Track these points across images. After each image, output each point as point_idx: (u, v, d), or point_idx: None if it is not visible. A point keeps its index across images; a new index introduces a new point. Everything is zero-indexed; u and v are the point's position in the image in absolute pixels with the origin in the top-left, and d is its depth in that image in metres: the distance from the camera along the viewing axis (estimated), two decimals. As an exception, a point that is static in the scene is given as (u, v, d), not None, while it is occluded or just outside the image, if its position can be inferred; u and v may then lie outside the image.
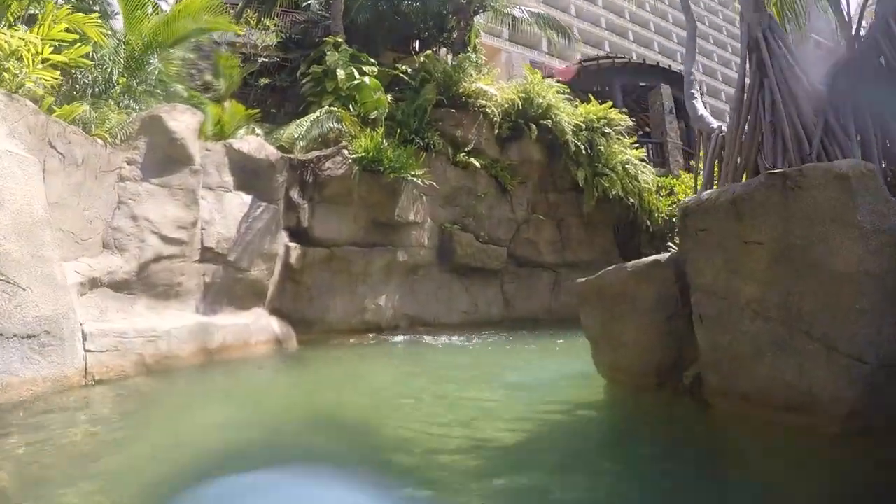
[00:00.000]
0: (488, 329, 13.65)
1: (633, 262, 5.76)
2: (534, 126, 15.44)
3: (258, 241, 10.19)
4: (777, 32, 6.68)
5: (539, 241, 16.20)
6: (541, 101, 15.60)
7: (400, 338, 11.72)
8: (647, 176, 17.01)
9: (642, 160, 17.09)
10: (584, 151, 15.97)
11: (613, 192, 15.94)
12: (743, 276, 4.24)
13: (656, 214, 17.10)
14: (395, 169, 12.26)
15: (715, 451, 4.05)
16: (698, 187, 9.33)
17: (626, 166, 16.53)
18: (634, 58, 25.98)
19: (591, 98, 17.20)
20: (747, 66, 7.14)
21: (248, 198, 10.19)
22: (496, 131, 15.32)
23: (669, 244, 16.01)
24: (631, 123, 17.71)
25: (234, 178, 10.13)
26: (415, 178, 12.64)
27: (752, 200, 4.17)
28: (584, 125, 16.34)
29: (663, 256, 5.60)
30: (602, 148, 16.38)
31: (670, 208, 17.10)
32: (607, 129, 16.75)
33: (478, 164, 14.63)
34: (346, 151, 11.97)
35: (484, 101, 15.28)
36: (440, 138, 14.20)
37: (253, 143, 10.59)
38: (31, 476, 3.53)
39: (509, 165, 15.59)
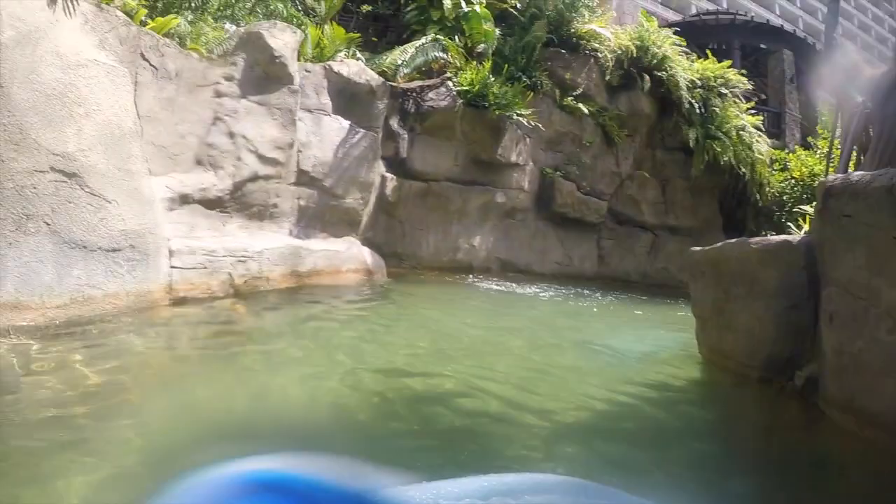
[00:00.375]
0: (581, 284, 12.64)
1: (758, 238, 5.06)
2: (647, 77, 13.94)
3: (354, 169, 9.57)
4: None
5: (641, 200, 14.88)
6: (656, 50, 14.02)
7: (492, 283, 10.84)
8: (762, 146, 15.29)
9: (758, 128, 15.31)
10: (697, 110, 14.38)
11: (725, 159, 14.36)
12: (889, 278, 3.45)
13: (767, 189, 15.44)
14: (500, 106, 11.24)
15: (826, 467, 3.46)
16: (834, 165, 8.07)
17: (741, 132, 14.88)
18: (755, 17, 23.28)
19: (709, 54, 15.47)
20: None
21: (346, 123, 9.49)
22: (607, 78, 13.92)
23: (790, 225, 14.48)
24: (750, 87, 15.81)
25: (332, 102, 9.43)
26: (520, 118, 11.54)
27: None
28: (699, 82, 14.71)
29: (794, 238, 4.78)
30: (717, 109, 14.73)
31: (782, 185, 15.52)
32: (724, 90, 15.05)
33: (585, 111, 13.34)
34: (450, 83, 11.02)
35: (596, 45, 13.86)
36: (548, 79, 12.91)
37: (353, 66, 9.79)
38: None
39: (618, 116, 14.21)
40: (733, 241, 5.28)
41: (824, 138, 18.73)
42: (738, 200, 15.61)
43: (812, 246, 4.38)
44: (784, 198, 15.44)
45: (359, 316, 6.80)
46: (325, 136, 9.13)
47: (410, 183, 10.81)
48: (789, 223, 15.09)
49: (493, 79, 11.43)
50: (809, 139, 18.39)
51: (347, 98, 9.66)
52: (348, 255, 8.73)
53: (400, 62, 10.94)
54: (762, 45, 20.47)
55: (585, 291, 11.40)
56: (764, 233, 15.50)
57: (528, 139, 12.53)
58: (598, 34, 14.06)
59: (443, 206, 11.32)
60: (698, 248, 5.71)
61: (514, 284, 10.91)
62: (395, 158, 10.76)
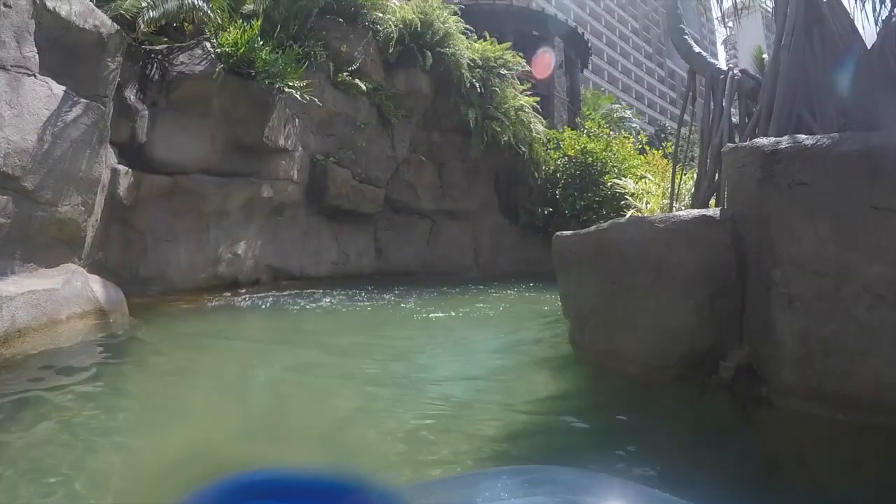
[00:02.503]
0: (360, 283, 11.27)
1: (661, 216, 4.27)
2: (429, 54, 12.85)
3: (71, 159, 6.49)
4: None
5: (418, 185, 13.93)
6: (440, 26, 12.98)
7: (266, 299, 8.75)
8: (539, 126, 15.40)
9: (534, 109, 15.43)
10: (477, 91, 13.89)
11: (504, 139, 14.11)
12: (866, 252, 3.14)
13: (543, 168, 15.71)
14: (270, 75, 9.08)
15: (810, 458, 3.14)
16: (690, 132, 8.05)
17: (520, 112, 14.71)
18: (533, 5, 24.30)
19: (488, 37, 15.03)
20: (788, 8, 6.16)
21: (59, 90, 6.36)
22: (387, 53, 12.56)
23: (563, 203, 14.97)
24: (528, 69, 15.84)
25: (41, 56, 6.21)
26: (293, 91, 9.49)
27: None
28: (480, 62, 14.14)
29: (713, 212, 4.16)
30: (497, 90, 14.38)
31: (556, 163, 15.81)
32: (503, 72, 14.76)
33: (364, 88, 11.84)
34: (208, 44, 8.49)
35: (379, 15, 12.35)
36: (323, 50, 11.05)
37: (78, 4, 6.61)
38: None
39: (395, 95, 12.93)
40: (622, 221, 4.50)
41: (591, 119, 20.15)
42: (513, 180, 15.55)
43: (739, 220, 3.81)
44: (558, 175, 15.70)
45: (78, 411, 3.78)
46: (25, 107, 5.97)
47: (152, 178, 8.06)
48: (563, 201, 15.87)
49: (261, 42, 9.28)
50: (578, 120, 19.45)
51: (65, 51, 6.52)
52: (68, 293, 5.80)
53: (144, 4, 7.93)
54: (535, 32, 20.66)
55: (369, 291, 9.87)
56: (540, 210, 15.96)
57: (297, 120, 10.55)
58: (382, 3, 12.59)
59: (196, 207, 8.77)
60: (568, 234, 4.83)
61: (289, 296, 8.98)
62: (132, 144, 7.92)
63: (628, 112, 28.44)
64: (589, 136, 16.47)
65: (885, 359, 3.11)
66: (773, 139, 3.79)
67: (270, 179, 10.01)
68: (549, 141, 15.89)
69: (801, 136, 3.73)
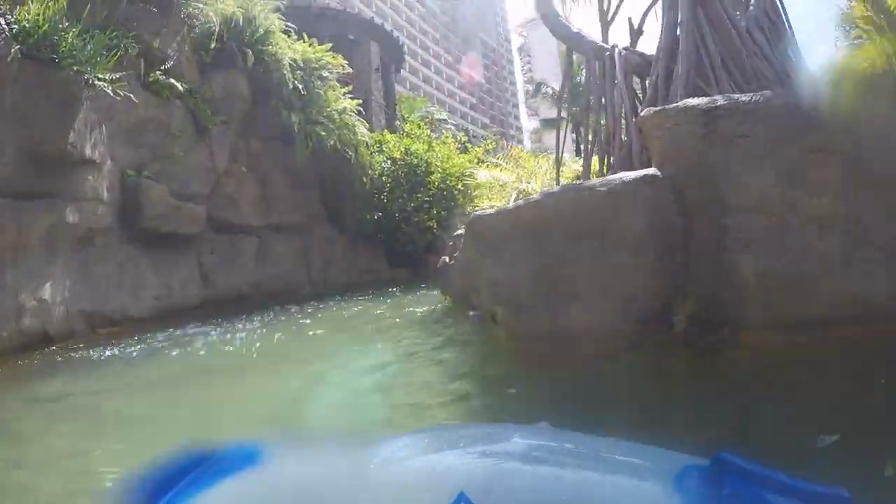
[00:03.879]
0: (188, 318, 9.39)
1: (599, 179, 4.23)
2: (249, 53, 11.31)
3: None
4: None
5: (241, 200, 12.23)
6: (263, 22, 11.53)
7: (88, 354, 6.57)
8: (363, 129, 14.61)
9: (356, 111, 14.59)
10: (300, 93, 12.70)
11: (330, 143, 13.09)
12: (808, 190, 3.54)
13: (370, 172, 14.95)
14: (78, 62, 7.04)
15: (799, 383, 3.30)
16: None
17: (343, 116, 13.80)
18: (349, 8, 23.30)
19: (306, 38, 13.81)
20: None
21: None
22: (204, 51, 10.77)
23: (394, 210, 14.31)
24: (350, 70, 14.90)
25: None
26: (104, 84, 7.51)
27: (829, 106, 3.69)
28: (301, 64, 12.96)
29: (652, 171, 4.10)
30: (320, 92, 13.31)
31: (381, 166, 15.21)
32: (325, 74, 13.73)
33: (180, 89, 9.96)
34: (2, 20, 6.28)
35: (200, 6, 10.55)
36: (135, 44, 8.93)
37: None
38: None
39: (212, 99, 11.18)
40: (557, 190, 4.42)
41: (412, 121, 19.70)
42: (340, 187, 14.57)
43: (678, 178, 3.93)
44: (384, 179, 15.13)
45: None
46: None
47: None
48: (391, 204, 15.17)
49: (68, 24, 7.19)
50: (398, 123, 18.92)
51: None
52: None
53: None
54: (351, 36, 19.67)
55: (202, 326, 8.28)
56: (368, 216, 14.98)
57: (103, 126, 8.57)
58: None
59: (-14, 242, 6.42)
60: (490, 211, 4.53)
61: (109, 350, 6.88)
62: None
63: (444, 114, 28.81)
64: (411, 138, 16.24)
65: (837, 279, 3.51)
66: (706, 99, 4.05)
67: (77, 201, 7.82)
68: (372, 144, 15.25)
69: (736, 95, 4.09)
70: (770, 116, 3.68)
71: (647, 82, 7.49)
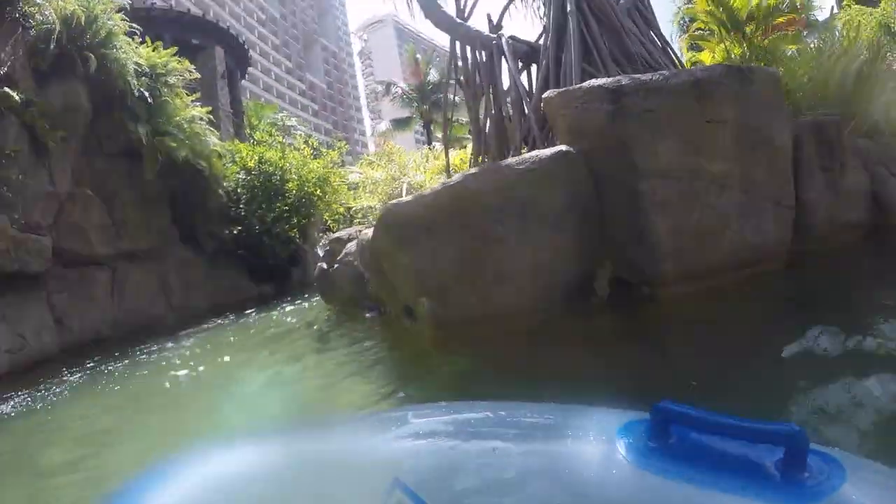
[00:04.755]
0: (48, 373, 8.01)
1: (514, 159, 4.44)
2: (91, 57, 9.90)
3: None
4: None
5: (88, 227, 10.57)
6: (106, 22, 10.09)
7: None
8: (214, 138, 13.44)
9: (205, 120, 13.37)
10: (146, 102, 11.38)
11: (182, 155, 11.85)
12: (706, 155, 4.09)
13: (224, 184, 13.85)
14: None
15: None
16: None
17: (193, 125, 12.57)
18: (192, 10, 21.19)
19: (148, 42, 12.34)
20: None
21: None
22: (41, 57, 9.17)
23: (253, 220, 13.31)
24: (198, 76, 13.56)
25: None
26: None
27: (720, 84, 4.17)
28: (147, 69, 11.63)
29: (565, 147, 4.33)
30: (168, 100, 12.01)
31: (236, 177, 14.26)
32: (171, 80, 12.40)
33: (17, 100, 8.39)
34: None
35: (37, 3, 8.92)
36: None
37: None
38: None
39: (49, 112, 9.63)
40: (474, 171, 4.52)
41: (261, 129, 18.35)
42: (195, 203, 13.31)
43: (589, 151, 4.25)
44: (239, 190, 14.14)
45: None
46: None
47: None
48: (250, 216, 14.13)
49: None
50: (247, 132, 17.63)
51: None
52: None
53: None
54: (194, 41, 17.95)
55: (62, 383, 6.97)
56: (227, 231, 13.74)
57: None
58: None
59: None
60: (406, 199, 4.50)
61: None
62: None
63: (294, 120, 27.35)
64: (263, 146, 15.38)
65: (736, 229, 4.11)
66: (610, 79, 4.42)
67: None
68: (224, 155, 14.14)
69: (637, 75, 4.52)
70: (671, 93, 4.10)
71: (532, 69, 7.77)
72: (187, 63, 12.77)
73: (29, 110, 8.94)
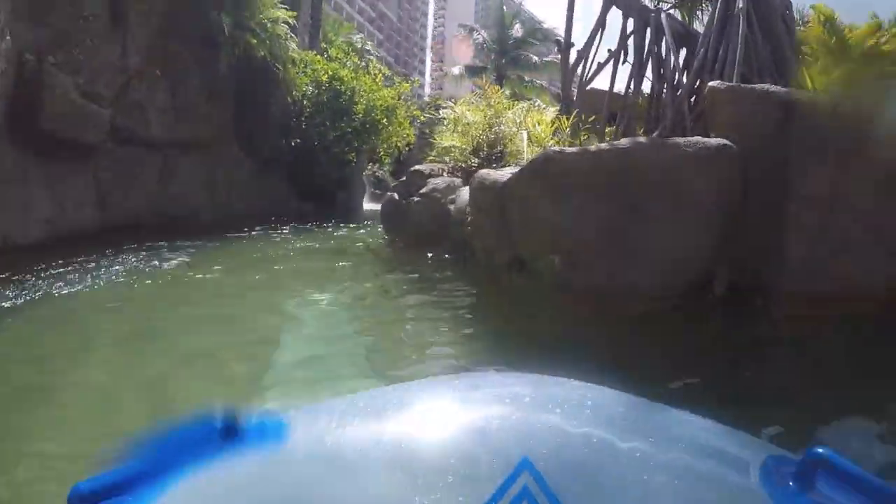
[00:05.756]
0: (80, 251, 7.46)
1: (683, 140, 4.16)
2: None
3: None
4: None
5: (149, 108, 10.09)
6: None
7: None
8: (293, 45, 12.92)
9: (287, 23, 12.71)
10: (231, -9, 10.78)
11: (260, 55, 11.43)
12: (860, 187, 3.85)
13: (294, 92, 13.35)
14: None
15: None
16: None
17: (276, 26, 12.03)
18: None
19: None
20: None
21: None
22: None
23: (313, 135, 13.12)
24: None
25: None
26: None
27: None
28: (239, -42, 10.96)
29: (727, 142, 4.07)
30: (253, -8, 11.45)
31: (305, 89, 13.64)
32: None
33: None
34: None
35: None
36: None
37: None
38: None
39: (134, -22, 9.07)
40: (642, 141, 4.36)
41: (337, 45, 17.66)
42: (260, 106, 12.59)
43: (748, 155, 4.05)
44: (305, 102, 13.58)
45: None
46: None
47: None
48: (311, 131, 13.60)
49: None
50: (323, 45, 16.99)
51: None
52: None
53: None
54: None
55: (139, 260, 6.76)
56: (285, 141, 13.19)
57: (3, -9, 6.46)
58: None
59: None
60: (572, 150, 4.28)
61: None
62: None
63: (369, 44, 26.45)
64: (337, 63, 14.76)
65: (872, 263, 3.87)
66: (784, 90, 4.30)
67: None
68: (297, 63, 13.54)
69: (812, 95, 4.48)
70: (838, 118, 3.94)
71: (680, 54, 7.25)
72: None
73: (114, -27, 8.34)
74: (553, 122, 7.93)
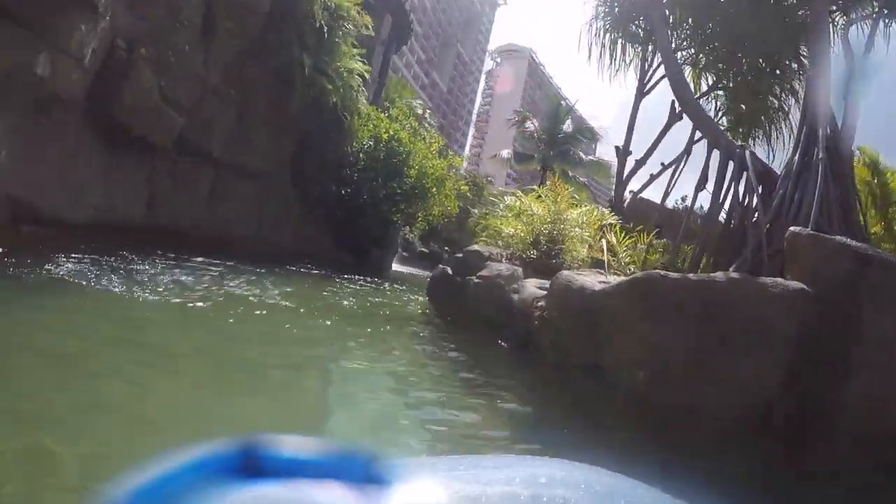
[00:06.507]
0: (129, 242, 7.05)
1: (767, 279, 4.50)
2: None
3: None
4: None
5: (216, 125, 10.18)
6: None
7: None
8: (363, 98, 13.13)
9: (362, 76, 12.93)
10: (321, 34, 11.00)
11: (332, 101, 11.51)
12: None
13: (355, 145, 13.47)
14: None
15: None
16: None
17: (351, 77, 12.20)
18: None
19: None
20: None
21: None
22: None
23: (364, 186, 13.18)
24: (372, 34, 13.11)
25: None
26: None
27: None
28: (331, 5, 11.20)
29: (806, 287, 4.38)
30: (339, 42, 11.66)
31: (364, 143, 13.82)
32: (349, 27, 12.05)
33: None
34: None
35: None
36: None
37: None
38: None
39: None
40: (735, 277, 4.65)
41: (398, 106, 18.06)
42: (323, 150, 12.71)
43: (822, 299, 4.32)
44: (361, 156, 13.65)
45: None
46: None
47: None
48: (363, 185, 13.54)
49: None
50: (386, 104, 17.29)
51: None
52: None
53: None
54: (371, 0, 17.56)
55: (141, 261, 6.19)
56: (336, 188, 13.24)
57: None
58: None
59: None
60: (674, 276, 4.52)
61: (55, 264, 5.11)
62: None
63: (428, 111, 27.04)
64: (398, 124, 14.94)
65: None
66: (859, 244, 4.63)
67: (54, 49, 5.81)
68: (363, 116, 13.71)
69: (880, 251, 4.76)
70: None
71: (758, 193, 7.23)
72: (367, 18, 12.32)
73: (215, -12, 8.49)
74: (612, 228, 7.96)
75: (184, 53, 8.18)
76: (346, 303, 7.35)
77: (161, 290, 5.11)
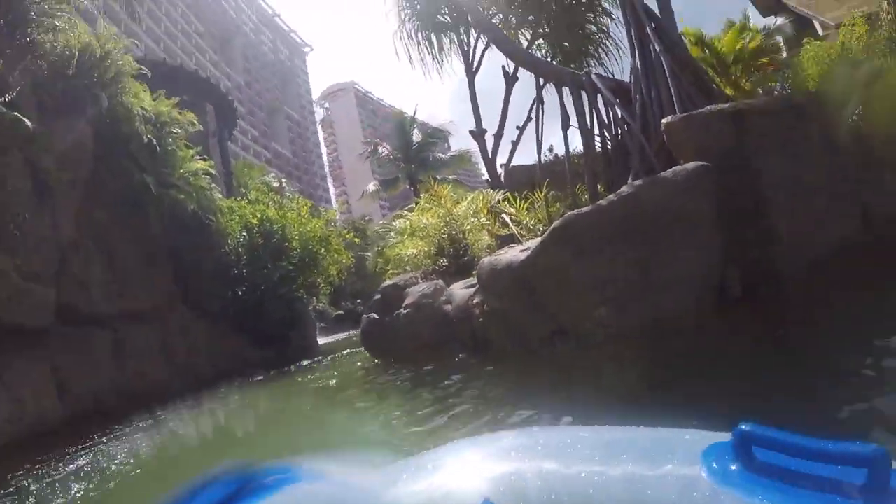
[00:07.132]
0: (57, 445, 6.34)
1: (669, 171, 4.70)
2: (103, 97, 8.94)
3: None
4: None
5: (90, 282, 9.34)
6: (109, 64, 9.18)
7: None
8: (218, 194, 12.69)
9: (208, 174, 12.47)
10: (155, 149, 10.49)
11: (190, 208, 11.01)
12: (805, 167, 4.82)
13: (230, 242, 12.96)
14: None
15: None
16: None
17: (198, 178, 11.75)
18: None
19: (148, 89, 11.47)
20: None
21: None
22: (51, 88, 8.15)
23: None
24: (200, 128, 12.64)
25: None
26: None
27: (809, 104, 5.27)
28: (152, 116, 10.77)
29: (702, 163, 4.64)
30: (174, 150, 11.18)
31: (239, 236, 13.37)
32: (176, 130, 11.60)
33: (28, 127, 7.17)
34: None
35: (51, 30, 7.96)
36: None
37: None
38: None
39: (54, 150, 8.56)
40: (638, 184, 4.63)
41: (255, 188, 17.48)
42: (200, 261, 12.08)
43: (718, 168, 4.56)
44: (240, 250, 13.16)
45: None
46: None
47: None
48: (255, 274, 13.05)
49: None
50: (242, 191, 16.77)
51: None
52: None
53: None
54: (185, 97, 16.92)
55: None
56: (231, 293, 12.74)
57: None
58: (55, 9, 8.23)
59: None
60: (582, 211, 4.57)
61: None
62: None
63: (284, 182, 26.28)
64: (262, 205, 14.68)
65: (831, 226, 4.78)
66: (728, 104, 5.01)
67: None
68: (225, 212, 13.23)
69: (751, 101, 5.43)
70: (782, 116, 4.81)
71: (618, 104, 7.54)
72: (190, 115, 11.90)
73: (33, 146, 7.89)
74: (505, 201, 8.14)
75: (23, 225, 7.48)
76: (292, 402, 6.95)
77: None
